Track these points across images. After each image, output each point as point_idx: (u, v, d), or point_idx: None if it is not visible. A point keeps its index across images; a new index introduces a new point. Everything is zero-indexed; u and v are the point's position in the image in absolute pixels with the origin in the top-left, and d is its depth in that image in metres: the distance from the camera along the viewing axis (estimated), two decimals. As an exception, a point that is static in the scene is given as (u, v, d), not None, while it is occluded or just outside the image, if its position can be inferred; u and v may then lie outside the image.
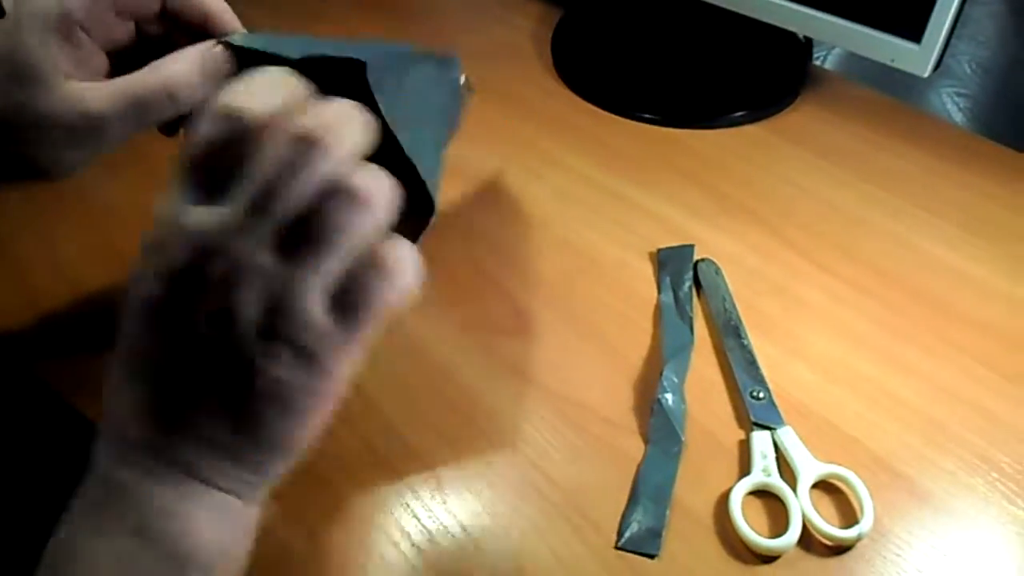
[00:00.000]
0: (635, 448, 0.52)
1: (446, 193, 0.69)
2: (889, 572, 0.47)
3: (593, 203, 0.69)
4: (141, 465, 0.35)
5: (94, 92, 0.41)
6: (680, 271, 0.62)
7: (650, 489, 0.50)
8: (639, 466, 0.51)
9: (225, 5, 0.46)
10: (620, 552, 0.48)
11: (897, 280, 0.62)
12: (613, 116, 0.78)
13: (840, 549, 0.48)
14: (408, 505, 0.50)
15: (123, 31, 0.45)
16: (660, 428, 0.53)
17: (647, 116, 0.77)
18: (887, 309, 0.60)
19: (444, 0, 0.95)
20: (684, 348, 0.57)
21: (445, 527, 0.49)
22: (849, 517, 0.49)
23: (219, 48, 0.42)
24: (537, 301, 0.61)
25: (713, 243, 0.65)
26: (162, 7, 0.44)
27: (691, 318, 0.59)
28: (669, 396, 0.54)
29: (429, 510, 0.50)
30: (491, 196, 0.70)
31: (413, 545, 0.48)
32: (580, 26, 0.87)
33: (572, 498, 0.50)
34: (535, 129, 0.76)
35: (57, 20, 0.41)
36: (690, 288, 0.61)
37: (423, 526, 0.49)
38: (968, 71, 0.92)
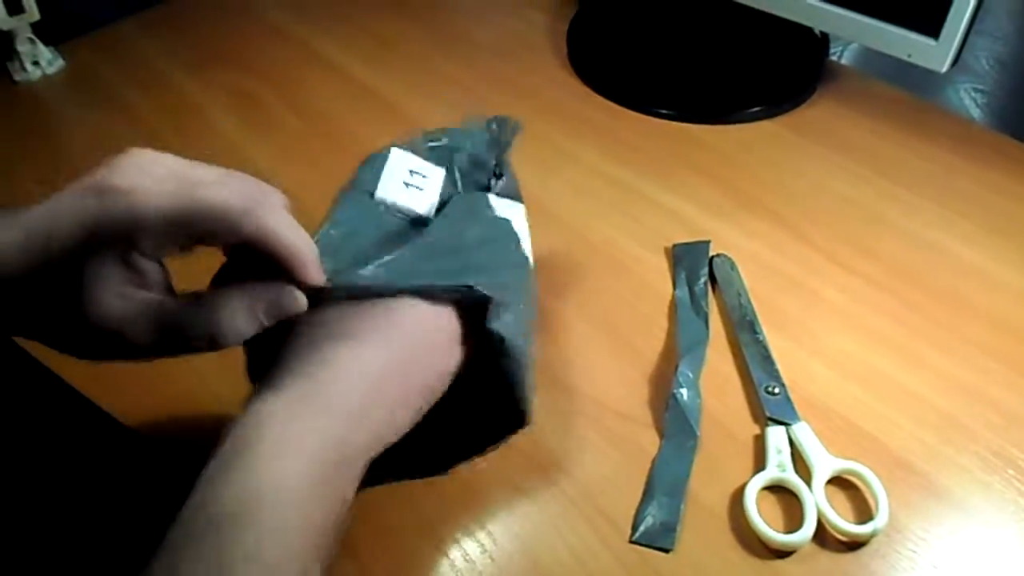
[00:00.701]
0: (650, 442, 0.53)
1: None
2: (904, 568, 0.47)
3: (608, 198, 0.69)
4: None
5: (128, 311, 0.38)
6: (696, 266, 0.62)
7: (665, 483, 0.50)
8: (654, 460, 0.52)
9: (311, 256, 0.40)
10: (635, 546, 0.48)
11: (913, 276, 0.62)
12: (629, 111, 0.78)
13: (855, 545, 0.48)
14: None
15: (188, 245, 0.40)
16: (675, 423, 0.53)
17: (663, 111, 0.77)
18: (903, 305, 0.60)
19: (460, -5, 0.95)
20: (699, 343, 0.57)
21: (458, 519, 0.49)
22: (864, 513, 0.49)
23: (285, 297, 0.40)
24: (553, 296, 0.61)
25: (728, 239, 0.65)
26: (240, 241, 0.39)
27: (706, 313, 0.59)
28: (684, 391, 0.54)
29: (442, 501, 0.50)
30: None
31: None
32: (595, 20, 0.87)
33: (587, 492, 0.50)
34: (550, 124, 0.76)
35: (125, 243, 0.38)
36: (705, 283, 0.61)
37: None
38: (986, 67, 0.91)
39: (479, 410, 0.46)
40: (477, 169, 0.52)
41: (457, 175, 0.51)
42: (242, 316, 0.39)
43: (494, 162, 0.52)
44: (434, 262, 0.44)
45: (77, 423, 0.59)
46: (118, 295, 0.38)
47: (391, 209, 0.46)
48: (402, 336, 0.41)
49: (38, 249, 0.37)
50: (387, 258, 0.42)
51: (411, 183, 0.47)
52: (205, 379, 0.57)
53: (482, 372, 0.44)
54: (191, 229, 0.38)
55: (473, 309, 0.43)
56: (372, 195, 0.46)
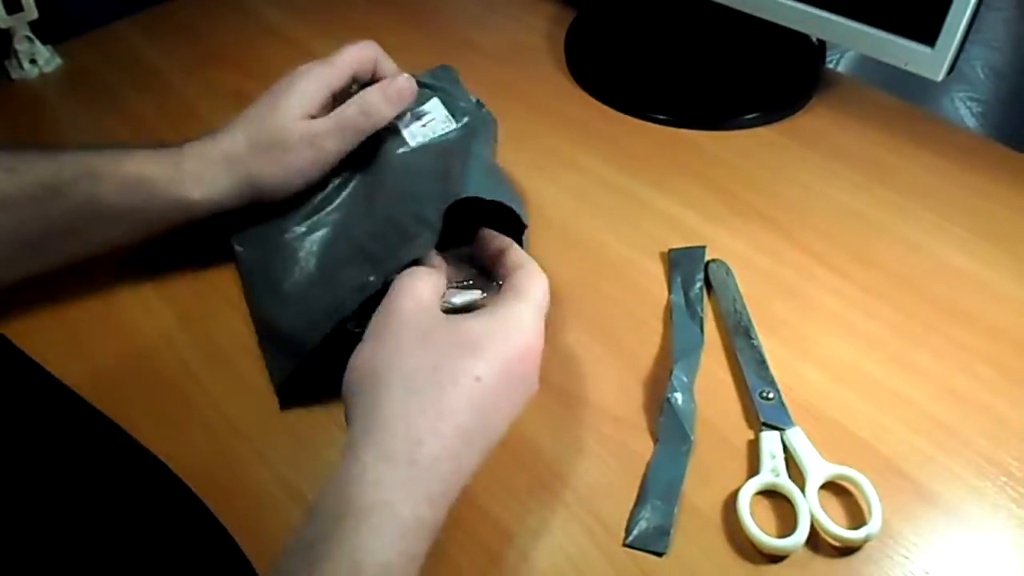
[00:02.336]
0: (644, 447, 0.53)
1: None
2: (896, 574, 0.47)
3: (605, 203, 0.69)
4: None
5: (318, 122, 0.58)
6: (691, 272, 0.62)
7: (659, 488, 0.50)
8: (648, 464, 0.52)
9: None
10: (628, 549, 0.48)
11: (907, 283, 0.62)
12: (626, 117, 0.78)
13: (848, 550, 0.48)
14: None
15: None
16: (669, 427, 0.53)
17: (660, 117, 0.77)
18: (897, 312, 0.60)
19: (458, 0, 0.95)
20: (694, 348, 0.57)
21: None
22: (857, 518, 0.49)
23: (400, 80, 0.59)
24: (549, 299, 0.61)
25: (724, 244, 0.65)
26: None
27: (701, 318, 0.59)
28: (679, 395, 0.54)
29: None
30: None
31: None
32: (594, 26, 0.88)
33: (581, 495, 0.51)
34: (548, 129, 0.76)
35: (320, 91, 0.59)
36: (701, 289, 0.61)
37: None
38: (981, 76, 0.92)
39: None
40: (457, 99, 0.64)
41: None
42: (377, 92, 0.59)
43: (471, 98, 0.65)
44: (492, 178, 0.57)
45: (79, 430, 0.59)
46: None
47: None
48: (493, 406, 0.44)
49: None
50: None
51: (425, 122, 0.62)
52: (204, 386, 0.57)
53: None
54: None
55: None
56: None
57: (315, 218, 0.60)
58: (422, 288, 0.47)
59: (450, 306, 0.49)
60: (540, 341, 0.46)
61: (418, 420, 0.41)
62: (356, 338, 0.46)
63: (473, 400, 0.42)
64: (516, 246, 0.51)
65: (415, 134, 0.61)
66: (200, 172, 0.57)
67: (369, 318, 0.47)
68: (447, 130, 0.62)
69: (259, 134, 0.57)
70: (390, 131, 0.61)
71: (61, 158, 0.56)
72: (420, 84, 0.62)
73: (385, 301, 0.46)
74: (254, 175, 0.57)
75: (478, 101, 0.65)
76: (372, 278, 0.52)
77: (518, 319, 0.45)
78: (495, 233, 0.53)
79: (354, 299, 0.52)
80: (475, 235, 0.53)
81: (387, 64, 0.62)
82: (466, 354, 0.43)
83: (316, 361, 0.53)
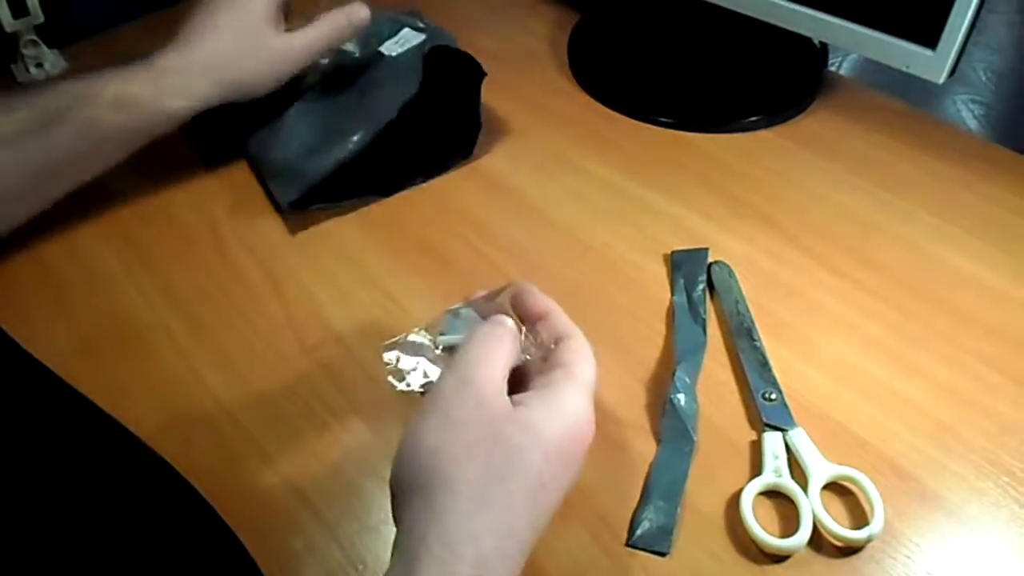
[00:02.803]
0: (647, 447, 0.53)
1: (462, 195, 0.70)
2: (899, 574, 0.47)
3: (608, 205, 0.69)
4: None
5: (295, 36, 0.67)
6: (694, 273, 0.62)
7: (662, 488, 0.51)
8: (651, 465, 0.52)
9: None
10: (631, 549, 0.48)
11: (909, 285, 0.62)
12: (629, 119, 0.78)
13: (850, 550, 0.48)
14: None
15: None
16: (672, 428, 0.53)
17: (663, 120, 0.77)
18: (899, 313, 0.60)
19: (461, 3, 0.96)
20: (697, 349, 0.58)
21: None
22: (859, 519, 0.49)
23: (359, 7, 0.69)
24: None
25: (727, 246, 0.65)
26: None
27: (704, 320, 0.59)
28: (681, 396, 0.54)
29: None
30: (507, 197, 0.70)
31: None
32: (597, 30, 0.88)
33: (584, 496, 0.51)
34: (551, 132, 0.77)
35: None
36: (703, 290, 0.61)
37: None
38: (983, 79, 0.92)
39: (432, 136, 0.72)
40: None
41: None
42: (344, 21, 0.69)
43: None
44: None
45: (84, 431, 0.59)
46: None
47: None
48: (550, 502, 0.42)
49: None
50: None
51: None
52: (209, 387, 0.58)
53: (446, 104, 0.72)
54: None
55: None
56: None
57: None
58: (495, 372, 0.43)
59: (442, 344, 0.49)
60: (592, 424, 0.44)
61: (486, 539, 0.38)
62: (354, 152, 0.66)
63: (535, 508, 0.41)
64: (558, 310, 0.49)
65: (392, 49, 0.75)
66: (183, 85, 0.63)
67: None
68: (417, 40, 0.75)
69: (238, 45, 0.64)
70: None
71: (53, 89, 0.61)
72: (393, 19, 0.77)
73: (455, 374, 0.43)
74: (237, 80, 0.64)
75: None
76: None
77: (575, 407, 0.43)
78: (535, 291, 0.50)
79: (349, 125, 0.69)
80: (513, 290, 0.50)
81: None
82: (534, 457, 0.41)
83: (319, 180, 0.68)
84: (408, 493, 0.40)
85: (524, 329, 0.47)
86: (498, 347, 0.44)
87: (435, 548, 0.38)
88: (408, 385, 0.49)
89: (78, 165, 0.63)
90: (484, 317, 0.48)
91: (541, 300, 0.49)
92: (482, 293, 0.50)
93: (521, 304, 0.49)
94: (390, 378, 0.49)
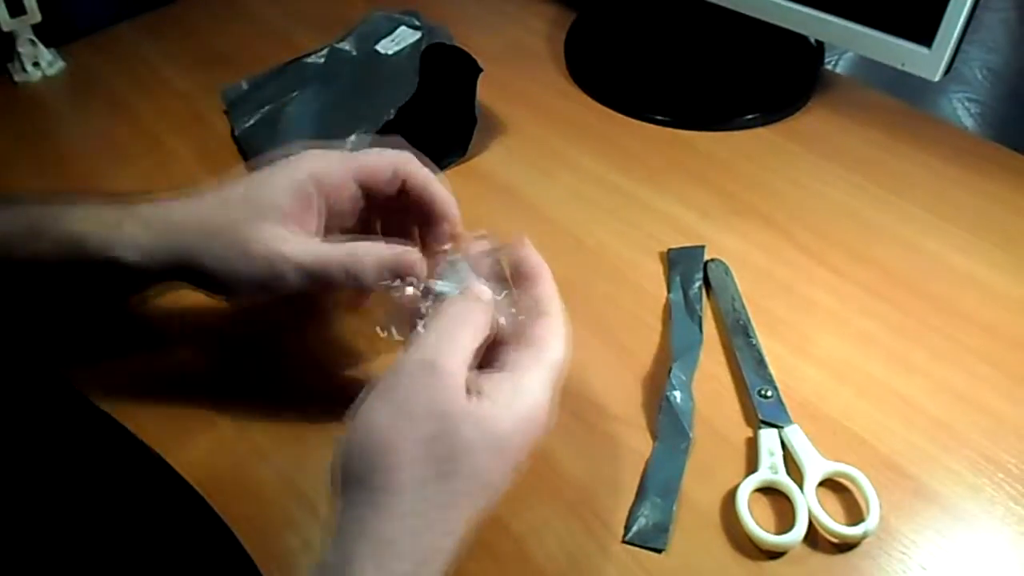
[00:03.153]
0: (643, 444, 0.53)
1: (459, 193, 0.70)
2: (894, 570, 0.47)
3: (605, 203, 0.70)
4: None
5: (293, 244, 0.48)
6: (690, 271, 0.63)
7: (658, 485, 0.51)
8: (647, 462, 0.52)
9: (451, 199, 0.52)
10: (627, 546, 0.48)
11: (905, 282, 0.63)
12: (626, 118, 0.78)
13: (845, 547, 0.48)
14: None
15: (352, 199, 0.51)
16: (668, 425, 0.53)
17: (659, 118, 0.77)
18: (895, 310, 0.61)
19: (458, 1, 0.96)
20: (693, 347, 0.58)
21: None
22: (855, 515, 0.49)
23: (408, 256, 0.49)
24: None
25: (723, 244, 0.65)
26: (399, 189, 0.51)
27: (700, 317, 0.59)
28: (677, 394, 0.54)
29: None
30: (504, 195, 0.71)
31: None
32: (594, 28, 0.88)
33: (581, 493, 0.51)
34: (548, 130, 0.77)
35: (306, 180, 0.49)
36: (700, 288, 0.61)
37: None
38: (979, 77, 0.92)
39: (429, 135, 0.64)
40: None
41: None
42: (378, 261, 0.48)
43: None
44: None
45: (83, 429, 0.59)
46: (288, 224, 0.48)
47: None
48: (493, 494, 0.42)
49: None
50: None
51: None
52: (206, 386, 0.58)
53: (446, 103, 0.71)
54: (362, 181, 0.50)
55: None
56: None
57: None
58: (458, 354, 0.42)
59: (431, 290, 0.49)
60: (550, 414, 0.44)
61: (426, 537, 0.39)
62: None
63: (478, 503, 0.41)
64: (547, 278, 0.48)
65: (388, 47, 0.75)
66: (137, 236, 0.49)
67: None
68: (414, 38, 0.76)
69: (217, 216, 0.49)
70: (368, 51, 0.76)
71: (8, 212, 0.51)
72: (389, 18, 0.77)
73: (416, 360, 0.41)
74: (194, 257, 0.48)
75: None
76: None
77: (535, 398, 0.42)
78: (529, 251, 0.49)
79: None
80: (514, 243, 0.50)
81: (420, 175, 0.52)
82: (484, 456, 0.40)
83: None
84: (352, 482, 0.40)
85: (508, 291, 0.48)
86: (465, 330, 0.43)
87: (373, 544, 0.38)
88: (391, 334, 0.50)
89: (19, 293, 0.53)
90: (478, 273, 0.49)
91: (533, 262, 0.48)
92: (484, 246, 0.50)
93: (513, 261, 0.49)
94: (377, 328, 0.50)
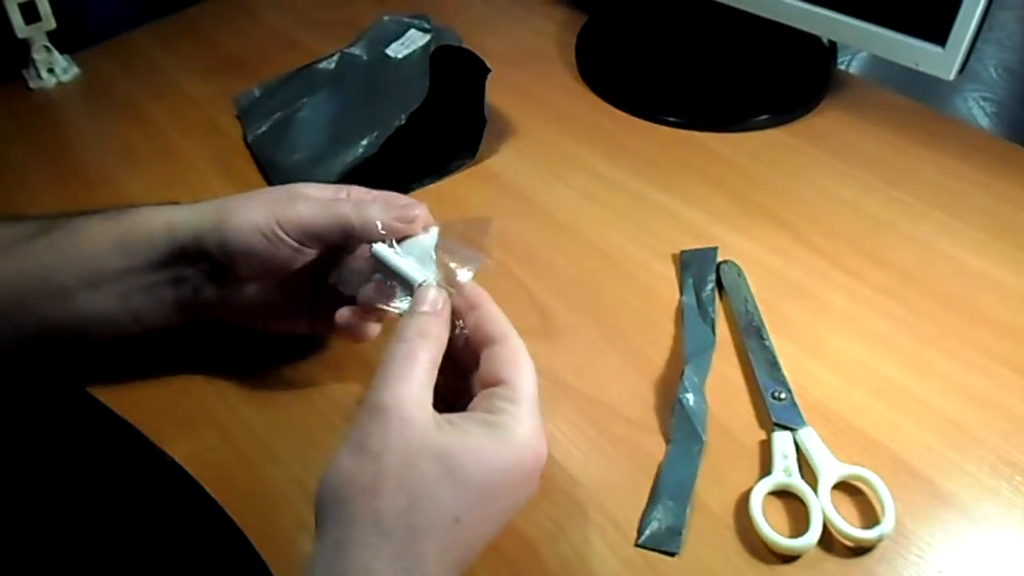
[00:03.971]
0: (656, 447, 0.53)
1: (470, 196, 0.71)
2: (910, 574, 0.47)
3: (617, 205, 0.69)
4: None
5: (304, 199, 0.51)
6: (703, 273, 0.62)
7: (671, 488, 0.50)
8: (660, 465, 0.52)
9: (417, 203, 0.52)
10: (640, 550, 0.48)
11: (920, 283, 0.62)
12: (637, 119, 0.78)
13: (861, 550, 0.48)
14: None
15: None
16: (681, 428, 0.53)
17: (671, 119, 0.77)
18: (910, 312, 0.60)
19: (469, 3, 0.96)
20: (706, 349, 0.57)
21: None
22: (870, 518, 0.49)
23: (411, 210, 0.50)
24: (561, 302, 0.62)
25: (736, 245, 0.65)
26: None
27: (713, 319, 0.59)
28: (690, 396, 0.54)
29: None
30: (515, 198, 0.70)
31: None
32: (605, 30, 0.88)
33: (593, 496, 0.51)
34: (559, 132, 0.77)
35: (277, 222, 0.50)
36: (712, 290, 0.61)
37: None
38: (994, 75, 0.91)
39: (440, 138, 0.73)
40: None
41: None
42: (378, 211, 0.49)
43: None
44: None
45: (93, 431, 0.59)
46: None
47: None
48: (472, 540, 0.41)
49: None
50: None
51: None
52: (217, 387, 0.58)
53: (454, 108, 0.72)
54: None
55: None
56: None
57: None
58: (412, 393, 0.41)
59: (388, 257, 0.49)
60: (539, 446, 0.43)
61: (382, 571, 0.38)
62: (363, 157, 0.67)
63: (448, 544, 0.39)
64: (491, 303, 0.48)
65: (398, 51, 0.76)
66: (175, 209, 0.53)
67: None
68: (423, 41, 0.76)
69: (235, 197, 0.52)
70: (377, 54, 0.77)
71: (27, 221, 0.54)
72: (399, 21, 0.78)
73: (374, 405, 0.41)
74: (220, 218, 0.51)
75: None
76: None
77: (515, 435, 0.42)
78: (467, 285, 0.48)
79: None
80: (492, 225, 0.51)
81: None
82: (447, 490, 0.39)
83: None
84: (320, 519, 0.40)
85: (478, 260, 0.48)
86: (413, 364, 0.42)
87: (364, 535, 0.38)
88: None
89: (52, 282, 0.52)
90: (444, 251, 0.49)
91: (471, 292, 0.48)
92: (459, 225, 0.51)
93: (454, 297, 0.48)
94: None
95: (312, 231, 0.50)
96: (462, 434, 0.41)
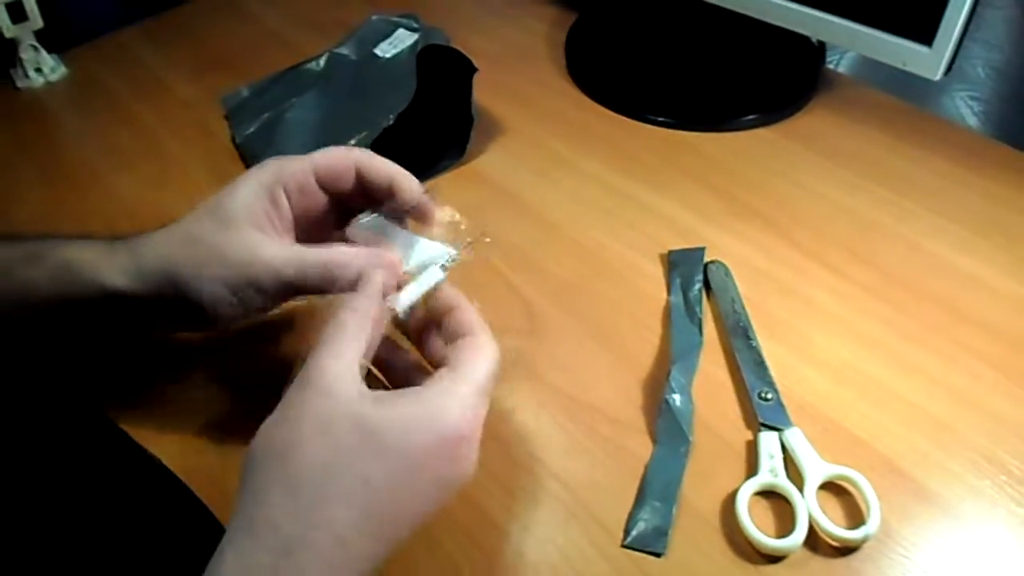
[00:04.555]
0: (643, 448, 0.53)
1: (458, 196, 0.70)
2: (895, 573, 0.47)
3: (605, 205, 0.69)
4: None
5: (268, 247, 0.48)
6: (690, 273, 0.62)
7: (657, 488, 0.50)
8: (647, 466, 0.52)
9: (407, 173, 0.51)
10: (627, 550, 0.48)
11: (907, 283, 0.62)
12: (626, 119, 0.78)
13: (846, 550, 0.48)
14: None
15: (318, 200, 0.51)
16: (668, 428, 0.53)
17: (660, 119, 0.77)
18: (897, 311, 0.60)
19: (459, 2, 0.96)
20: (692, 349, 0.57)
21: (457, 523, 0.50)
22: (856, 518, 0.49)
23: (389, 268, 0.48)
24: (548, 302, 0.62)
25: (723, 245, 0.65)
26: (356, 181, 0.51)
27: (700, 319, 0.59)
28: (677, 396, 0.54)
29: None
30: (503, 197, 0.70)
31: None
32: (594, 29, 0.88)
33: (580, 496, 0.51)
34: (548, 131, 0.77)
35: (271, 182, 0.49)
36: (700, 290, 0.61)
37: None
38: (982, 75, 0.92)
39: (428, 137, 0.73)
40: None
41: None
42: (355, 266, 0.47)
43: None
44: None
45: (80, 432, 0.59)
46: (262, 231, 0.49)
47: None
48: (388, 510, 0.40)
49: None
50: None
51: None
52: (204, 388, 0.58)
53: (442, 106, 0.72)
54: (321, 176, 0.50)
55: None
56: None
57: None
58: (336, 365, 0.41)
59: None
60: (472, 427, 0.42)
61: (289, 528, 0.38)
62: None
63: (361, 507, 0.39)
64: (468, 307, 0.47)
65: (386, 51, 0.76)
66: (124, 262, 0.50)
67: None
68: (411, 40, 0.75)
69: (194, 230, 0.49)
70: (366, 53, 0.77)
71: (9, 242, 0.53)
72: (387, 21, 0.78)
73: (299, 376, 0.42)
74: (179, 273, 0.48)
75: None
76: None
77: (442, 408, 0.41)
78: (444, 287, 0.48)
79: None
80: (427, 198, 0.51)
81: (376, 161, 0.52)
82: (360, 452, 0.39)
83: None
84: (241, 481, 0.41)
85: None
86: (340, 339, 0.42)
87: (240, 533, 0.39)
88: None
89: (12, 326, 0.53)
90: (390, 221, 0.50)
91: (447, 295, 0.48)
92: (433, 250, 0.50)
93: (431, 300, 0.48)
94: None
95: (280, 296, 0.49)
96: (386, 405, 0.41)
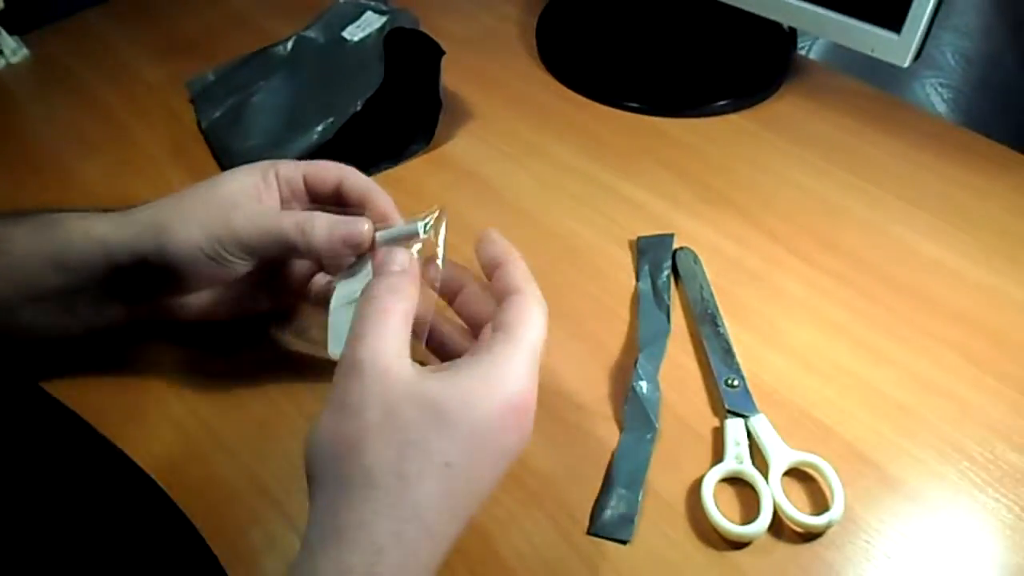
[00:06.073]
0: (609, 435, 0.53)
1: (427, 181, 0.70)
2: (858, 559, 0.47)
3: (574, 191, 0.69)
4: None
5: (253, 203, 0.51)
6: (659, 260, 0.62)
7: (623, 476, 0.50)
8: (613, 453, 0.52)
9: (382, 191, 0.53)
10: (593, 538, 0.48)
11: (874, 269, 0.62)
12: (597, 104, 0.78)
13: (810, 536, 0.48)
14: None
15: (301, 199, 0.54)
16: (634, 415, 0.53)
17: (631, 105, 0.77)
18: (864, 298, 0.60)
19: (430, -13, 0.95)
20: (660, 336, 0.57)
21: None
22: (820, 504, 0.49)
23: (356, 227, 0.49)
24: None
25: (692, 232, 0.65)
26: (335, 188, 0.53)
27: (668, 306, 0.59)
28: (644, 383, 0.54)
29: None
30: (472, 182, 0.70)
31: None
32: (565, 14, 0.87)
33: (546, 484, 0.51)
34: (517, 117, 0.76)
35: (265, 167, 0.53)
36: (668, 277, 0.61)
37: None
38: (952, 62, 0.92)
39: (396, 122, 0.72)
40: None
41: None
42: (327, 225, 0.48)
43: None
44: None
45: (44, 424, 0.58)
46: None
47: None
48: (468, 488, 0.40)
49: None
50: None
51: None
52: (169, 380, 0.57)
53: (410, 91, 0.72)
54: (310, 178, 0.53)
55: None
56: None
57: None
58: (389, 347, 0.40)
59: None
60: (533, 394, 0.41)
61: (378, 524, 0.37)
62: (318, 143, 0.68)
63: (442, 491, 0.38)
64: (517, 260, 0.46)
65: (354, 33, 0.75)
66: (116, 216, 0.51)
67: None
68: (379, 23, 0.74)
69: (186, 190, 0.52)
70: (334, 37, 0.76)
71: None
72: (356, 4, 0.77)
73: (347, 365, 0.40)
74: (156, 220, 0.50)
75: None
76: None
77: (501, 377, 0.40)
78: (493, 237, 0.48)
79: None
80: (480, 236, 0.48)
81: (359, 177, 0.53)
82: (434, 435, 0.38)
83: None
84: (311, 485, 0.40)
85: (438, 258, 0.48)
86: (386, 319, 0.41)
87: (329, 538, 0.37)
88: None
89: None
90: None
91: (501, 248, 0.47)
92: (399, 226, 0.50)
93: (478, 253, 0.47)
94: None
95: (255, 250, 0.50)
96: (446, 379, 0.40)
